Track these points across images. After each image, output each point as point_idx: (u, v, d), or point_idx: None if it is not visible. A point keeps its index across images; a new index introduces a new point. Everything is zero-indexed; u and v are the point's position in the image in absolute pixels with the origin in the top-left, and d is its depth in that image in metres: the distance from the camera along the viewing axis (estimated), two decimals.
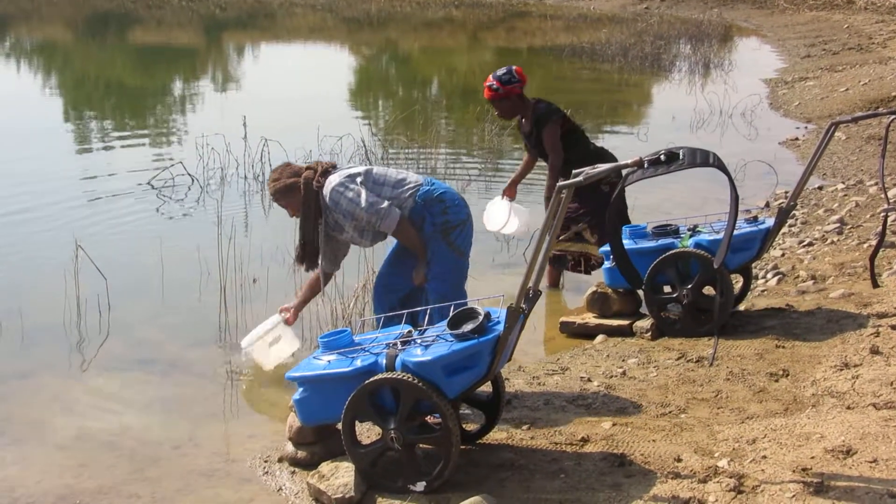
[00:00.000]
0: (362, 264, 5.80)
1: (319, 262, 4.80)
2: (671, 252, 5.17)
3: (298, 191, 4.64)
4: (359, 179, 4.54)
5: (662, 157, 3.59)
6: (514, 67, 6.13)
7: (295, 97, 15.02)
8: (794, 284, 6.01)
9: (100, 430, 4.57)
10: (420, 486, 3.50)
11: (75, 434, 4.53)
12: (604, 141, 11.70)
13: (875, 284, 5.39)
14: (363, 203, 4.48)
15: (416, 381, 3.41)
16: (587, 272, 6.35)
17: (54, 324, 5.75)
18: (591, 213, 6.06)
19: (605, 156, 6.09)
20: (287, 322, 5.06)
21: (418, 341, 3.59)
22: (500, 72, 6.07)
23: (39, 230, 7.85)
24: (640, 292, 5.43)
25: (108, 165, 10.45)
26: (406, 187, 4.56)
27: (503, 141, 10.89)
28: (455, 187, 8.64)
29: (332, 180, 4.56)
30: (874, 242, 5.87)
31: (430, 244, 4.57)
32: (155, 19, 30.90)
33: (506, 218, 6.47)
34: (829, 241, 6.95)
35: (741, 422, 3.92)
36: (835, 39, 20.30)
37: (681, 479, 3.39)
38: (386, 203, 4.49)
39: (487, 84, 6.11)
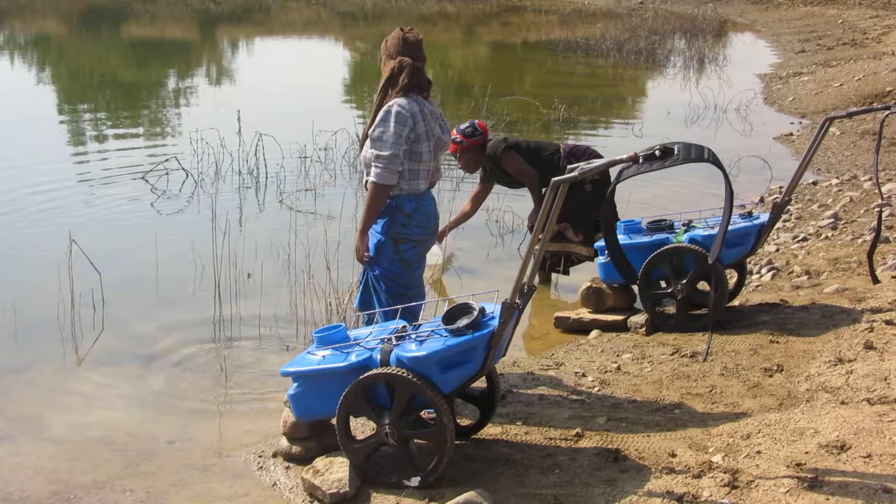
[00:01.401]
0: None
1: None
2: (666, 247, 5.18)
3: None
4: (411, 135, 4.26)
5: (657, 153, 3.60)
6: (476, 121, 6.28)
7: (289, 92, 14.99)
8: (788, 280, 6.02)
9: (93, 425, 4.56)
10: (415, 480, 3.50)
11: (69, 429, 4.52)
12: (598, 136, 11.77)
13: (875, 280, 5.40)
14: (396, 146, 4.22)
15: (410, 377, 3.41)
16: (566, 272, 6.35)
17: (48, 318, 5.73)
18: (572, 211, 5.98)
19: (579, 155, 6.08)
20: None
21: (413, 336, 3.59)
22: (464, 126, 6.22)
23: (33, 224, 7.82)
24: (635, 287, 5.45)
25: (102, 160, 10.41)
26: (409, 182, 4.34)
27: (497, 136, 10.84)
28: (450, 183, 8.73)
29: (401, 102, 4.28)
30: (869, 238, 5.88)
31: (382, 242, 4.39)
32: (149, 14, 30.77)
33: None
34: (823, 236, 6.96)
35: (735, 417, 3.93)
36: (829, 35, 20.33)
37: (675, 475, 3.39)
38: (399, 166, 4.26)
39: (451, 138, 6.19)
